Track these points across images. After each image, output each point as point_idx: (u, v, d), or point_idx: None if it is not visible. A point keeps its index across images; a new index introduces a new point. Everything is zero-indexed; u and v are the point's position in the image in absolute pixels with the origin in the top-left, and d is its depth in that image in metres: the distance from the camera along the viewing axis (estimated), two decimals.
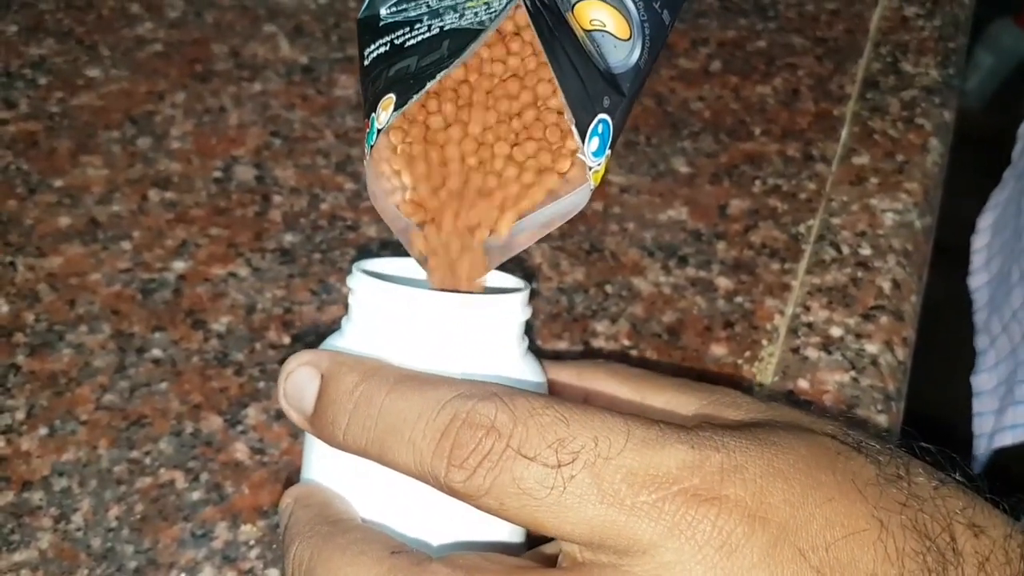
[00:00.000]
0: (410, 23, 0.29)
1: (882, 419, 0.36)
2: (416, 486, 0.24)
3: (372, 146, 0.28)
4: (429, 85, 0.26)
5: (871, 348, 0.38)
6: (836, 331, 0.39)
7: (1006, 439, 0.57)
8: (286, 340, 0.38)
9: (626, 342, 0.39)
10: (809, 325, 0.39)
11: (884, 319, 0.39)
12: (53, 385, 0.36)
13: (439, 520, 0.26)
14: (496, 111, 0.27)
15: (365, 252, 0.42)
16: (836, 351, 0.38)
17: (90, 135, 0.46)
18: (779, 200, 0.45)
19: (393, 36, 0.29)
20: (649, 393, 0.29)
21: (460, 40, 0.27)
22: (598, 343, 0.39)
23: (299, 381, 0.26)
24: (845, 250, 0.42)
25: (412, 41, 0.28)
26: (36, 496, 0.33)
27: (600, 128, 0.26)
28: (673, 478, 0.23)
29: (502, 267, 0.30)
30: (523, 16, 0.26)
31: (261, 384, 0.36)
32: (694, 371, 0.38)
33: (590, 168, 0.27)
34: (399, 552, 0.24)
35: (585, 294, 0.40)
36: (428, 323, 0.26)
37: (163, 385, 0.36)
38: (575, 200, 0.28)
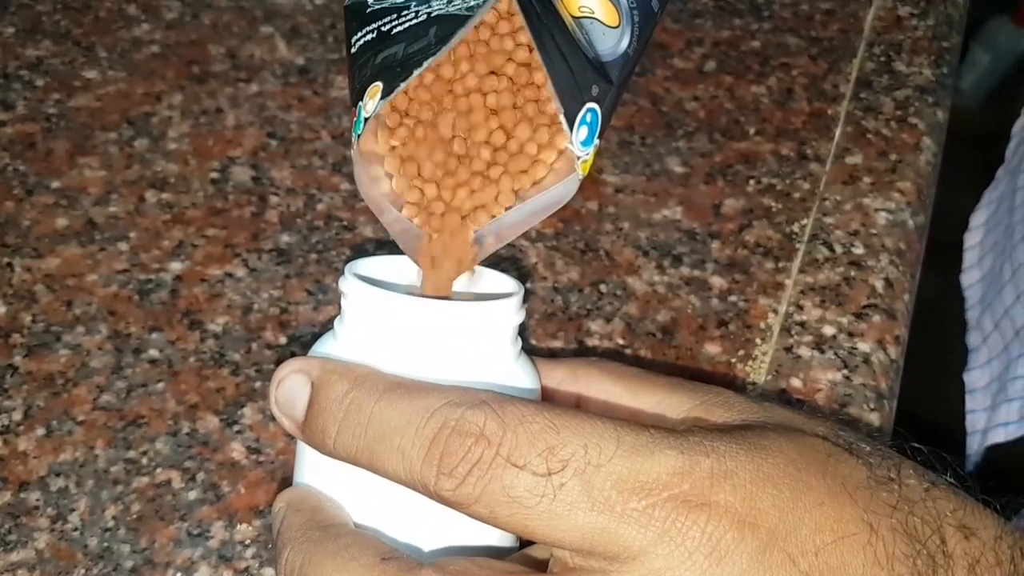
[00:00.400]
0: (397, 9, 0.29)
1: (874, 417, 0.36)
2: (407, 491, 0.24)
3: (359, 135, 0.27)
4: (416, 73, 0.26)
5: (863, 347, 0.38)
6: (829, 330, 0.39)
7: (999, 436, 0.57)
8: (282, 340, 0.38)
9: (620, 341, 0.39)
10: (802, 324, 0.39)
11: (877, 318, 0.40)
12: (50, 386, 0.36)
13: (430, 525, 0.26)
14: (483, 99, 0.27)
15: (361, 252, 0.42)
16: (829, 350, 0.38)
17: (87, 136, 0.46)
18: (773, 199, 0.45)
19: (380, 23, 0.28)
20: (642, 392, 0.29)
21: (447, 27, 0.27)
22: (593, 342, 0.39)
23: (290, 388, 0.26)
24: (838, 249, 0.42)
25: (399, 28, 0.28)
26: (33, 496, 0.33)
27: (588, 117, 0.26)
28: (663, 484, 0.23)
29: (498, 268, 0.30)
30: (511, 2, 0.26)
31: (257, 384, 0.37)
32: (688, 370, 0.38)
33: (578, 158, 0.27)
34: (390, 558, 0.24)
35: (580, 293, 0.41)
36: (419, 330, 0.26)
37: (160, 385, 0.36)
38: (563, 190, 0.27)
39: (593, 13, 0.27)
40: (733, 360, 0.38)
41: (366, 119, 0.27)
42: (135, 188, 0.44)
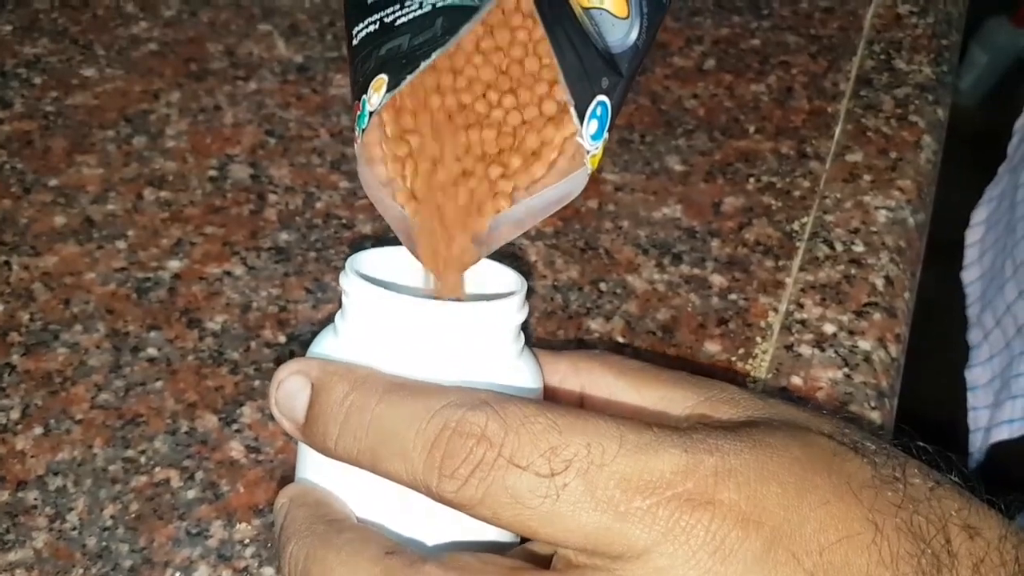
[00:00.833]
0: (400, 0, 0.28)
1: (875, 416, 0.36)
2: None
3: (364, 129, 0.27)
4: (424, 65, 0.25)
5: (864, 345, 0.38)
6: (829, 328, 0.39)
7: (1003, 433, 0.57)
8: (281, 339, 0.38)
9: (620, 339, 0.39)
10: (802, 322, 0.39)
11: (877, 316, 0.40)
12: (48, 384, 0.36)
13: (434, 520, 0.26)
14: (492, 91, 0.27)
15: (360, 250, 0.42)
16: (829, 348, 0.38)
17: (85, 134, 0.46)
18: (773, 197, 0.45)
19: (383, 14, 0.28)
20: (644, 387, 0.29)
21: (454, 18, 0.26)
22: (593, 340, 0.39)
23: (290, 390, 0.26)
24: (838, 247, 0.42)
25: (403, 19, 0.27)
26: (31, 495, 0.33)
27: (599, 111, 0.26)
28: (667, 483, 0.23)
29: (501, 263, 0.30)
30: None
31: (256, 383, 0.37)
32: (688, 368, 0.38)
33: (588, 152, 0.27)
34: (394, 552, 0.24)
35: (580, 292, 0.41)
36: (420, 330, 0.26)
37: (158, 384, 0.36)
38: (572, 185, 0.27)
39: (603, 4, 0.26)
40: (733, 358, 0.38)
41: (371, 113, 0.26)
42: (133, 186, 0.44)
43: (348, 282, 0.27)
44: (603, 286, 0.41)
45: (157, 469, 0.34)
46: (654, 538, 0.22)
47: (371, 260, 0.30)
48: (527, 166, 0.27)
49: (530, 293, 0.40)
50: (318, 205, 0.43)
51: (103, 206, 0.43)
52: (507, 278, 0.30)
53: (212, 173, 0.45)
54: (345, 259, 0.42)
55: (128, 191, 0.43)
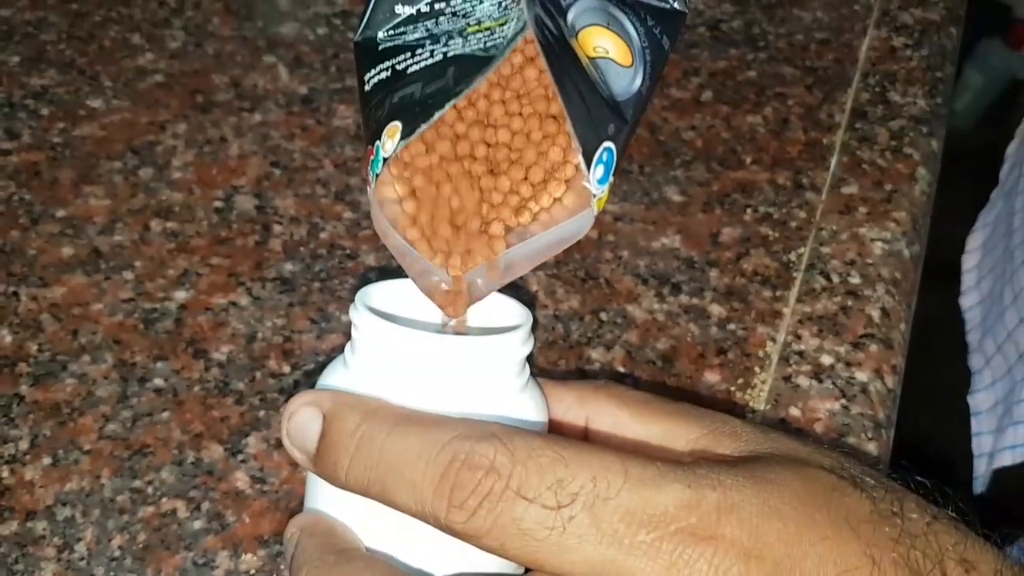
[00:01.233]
0: (411, 48, 0.29)
1: (872, 447, 0.37)
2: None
3: (378, 175, 0.28)
4: (438, 115, 0.26)
5: (861, 376, 0.39)
6: (827, 359, 0.40)
7: (1006, 459, 0.58)
8: (286, 369, 0.39)
9: (621, 369, 0.39)
10: (800, 353, 0.40)
11: (873, 347, 0.40)
12: (56, 415, 0.36)
13: (442, 551, 0.26)
14: (500, 136, 0.28)
15: (364, 281, 0.42)
16: (827, 379, 0.39)
17: (92, 165, 0.47)
18: (770, 228, 0.45)
19: (394, 61, 0.29)
20: (649, 419, 0.29)
21: (465, 67, 0.27)
22: (594, 370, 0.39)
23: (302, 422, 0.26)
24: (835, 279, 0.43)
25: (415, 67, 0.28)
26: (40, 526, 0.33)
27: (605, 156, 0.27)
28: (671, 517, 0.23)
29: (506, 294, 0.31)
30: (531, 45, 0.26)
31: (261, 413, 0.37)
32: (688, 398, 0.39)
33: (594, 195, 0.27)
34: None
35: (581, 321, 0.41)
36: (428, 363, 0.27)
37: (165, 414, 0.37)
38: (578, 226, 0.28)
39: (608, 53, 0.27)
40: (733, 388, 0.39)
41: (385, 159, 0.27)
42: (140, 217, 0.44)
43: (358, 316, 0.28)
44: (604, 316, 0.41)
45: (164, 499, 0.34)
46: (658, 571, 0.23)
47: (380, 293, 0.30)
48: (533, 208, 0.27)
49: (534, 324, 0.41)
50: (322, 235, 0.44)
51: (110, 237, 0.43)
52: (513, 310, 0.30)
53: (218, 204, 0.45)
54: (350, 289, 0.42)
55: (135, 222, 0.44)
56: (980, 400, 0.62)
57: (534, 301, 0.42)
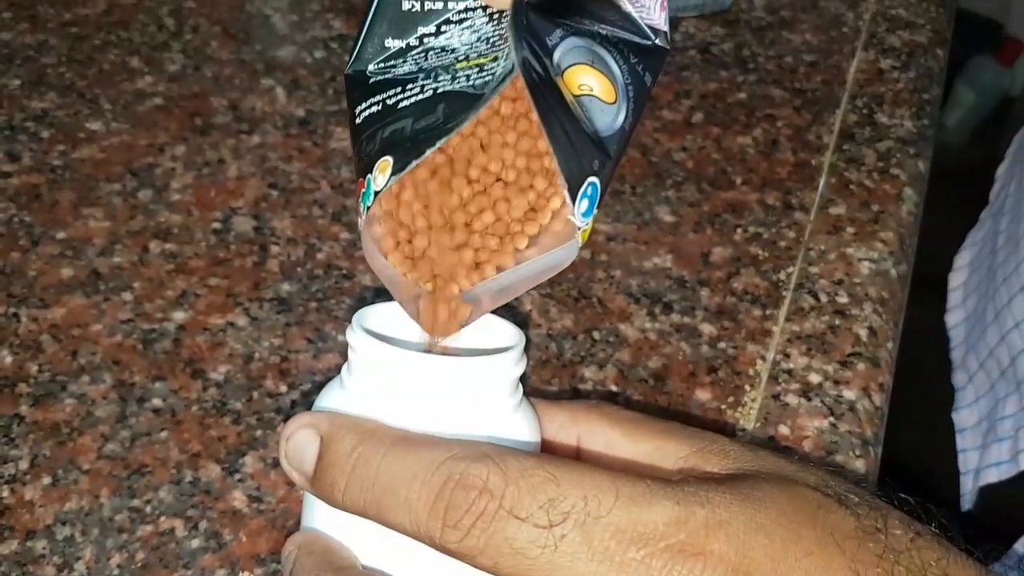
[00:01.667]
0: (401, 83, 0.30)
1: (860, 464, 0.37)
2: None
3: (369, 207, 0.29)
4: (428, 152, 0.27)
5: (849, 394, 0.40)
6: (815, 378, 0.40)
7: (991, 476, 0.58)
8: (283, 389, 0.39)
9: (614, 387, 0.40)
10: (789, 372, 0.41)
11: (861, 366, 0.41)
12: (56, 435, 0.37)
13: (438, 570, 0.27)
14: (488, 169, 0.28)
15: (361, 301, 0.43)
16: (815, 397, 0.39)
17: (92, 187, 0.47)
18: (760, 248, 0.46)
19: (385, 96, 0.30)
20: (640, 438, 0.30)
21: (455, 104, 0.28)
22: (586, 388, 0.40)
23: (299, 443, 0.27)
24: (823, 298, 0.44)
25: (405, 102, 0.29)
26: (40, 545, 0.34)
27: (589, 191, 0.28)
28: (660, 534, 0.24)
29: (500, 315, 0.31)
30: (519, 83, 0.27)
31: (258, 432, 0.37)
32: (680, 416, 0.39)
33: (579, 228, 0.28)
34: None
35: (574, 340, 0.42)
36: (424, 384, 0.27)
37: (163, 434, 0.37)
38: (562, 255, 0.29)
39: (592, 91, 0.28)
40: (723, 407, 0.39)
41: (376, 193, 0.28)
42: (139, 238, 0.45)
43: (354, 337, 0.28)
44: (596, 335, 0.42)
45: (162, 518, 0.35)
46: None
47: (377, 315, 0.31)
48: (519, 239, 0.28)
49: (527, 344, 0.41)
50: (319, 256, 0.45)
51: (109, 258, 0.44)
52: (506, 331, 0.31)
53: (216, 225, 0.46)
54: (346, 310, 0.43)
55: (134, 243, 0.45)
56: (964, 417, 0.63)
57: (528, 321, 0.42)
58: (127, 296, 0.42)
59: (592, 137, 0.27)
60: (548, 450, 0.30)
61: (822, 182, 0.50)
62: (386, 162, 0.27)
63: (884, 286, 0.45)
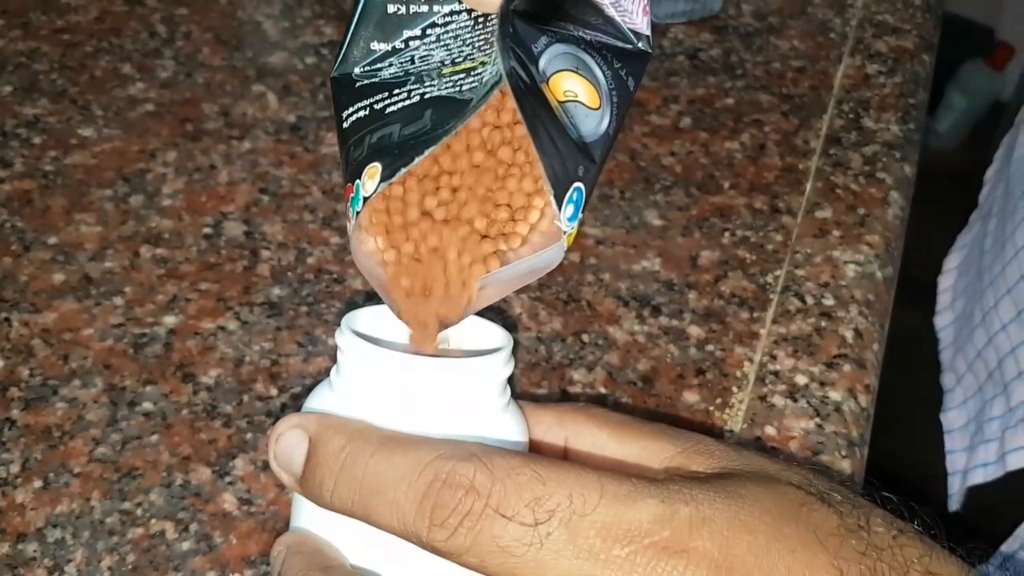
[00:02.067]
0: (388, 87, 0.30)
1: (846, 464, 0.38)
2: None
3: (358, 213, 0.29)
4: (417, 160, 0.27)
5: (835, 396, 0.40)
6: (801, 379, 0.41)
7: (978, 477, 0.59)
8: (273, 392, 0.39)
9: (603, 390, 0.40)
10: (776, 373, 0.41)
11: (847, 367, 0.41)
12: (47, 438, 0.37)
13: (426, 568, 0.27)
14: (474, 174, 0.29)
15: (351, 305, 0.43)
16: (801, 399, 0.40)
17: (83, 193, 0.47)
18: (747, 251, 0.47)
19: (372, 100, 0.30)
20: (626, 439, 0.30)
21: (442, 110, 0.28)
22: (576, 391, 0.40)
23: (288, 444, 0.27)
24: (809, 300, 0.44)
25: (392, 108, 0.29)
26: (30, 548, 0.34)
27: (575, 196, 0.28)
28: (644, 532, 0.24)
29: (484, 318, 0.31)
30: (506, 91, 0.27)
31: (249, 436, 0.38)
32: (668, 417, 0.39)
33: (564, 232, 0.28)
34: None
35: (563, 343, 0.42)
36: (412, 385, 0.27)
37: (154, 438, 0.37)
38: (548, 258, 0.29)
39: (577, 96, 0.28)
40: (711, 408, 0.40)
41: (365, 198, 0.28)
42: (130, 243, 0.45)
43: (343, 339, 0.28)
44: (585, 337, 0.42)
45: (153, 521, 0.35)
46: None
47: (365, 318, 0.31)
48: (506, 241, 0.28)
49: (515, 345, 0.42)
50: (310, 260, 0.45)
51: (101, 263, 0.44)
52: (494, 334, 0.31)
53: (207, 230, 0.46)
54: (336, 314, 0.43)
55: (125, 248, 0.45)
56: (953, 418, 0.63)
57: (517, 323, 0.43)
58: (118, 301, 0.42)
59: (577, 143, 0.28)
60: (536, 451, 0.31)
61: (809, 186, 0.50)
62: (375, 168, 0.28)
63: (870, 288, 0.45)
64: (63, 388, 0.39)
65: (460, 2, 0.30)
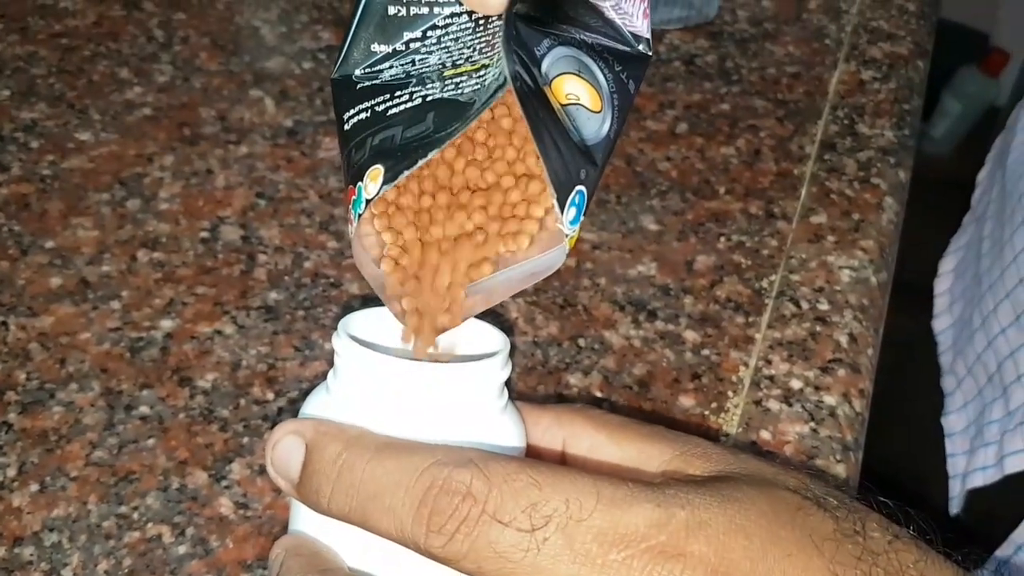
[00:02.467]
0: (389, 89, 0.30)
1: (840, 469, 0.38)
2: None
3: (360, 215, 0.29)
4: (420, 162, 0.27)
5: (829, 400, 0.40)
6: (796, 384, 0.41)
7: (978, 480, 0.59)
8: (270, 396, 0.39)
9: (598, 394, 0.40)
10: (771, 378, 0.41)
11: (842, 372, 0.41)
12: (44, 442, 0.37)
13: (423, 572, 0.27)
14: (478, 177, 0.29)
15: (348, 309, 0.43)
16: (796, 403, 0.40)
17: (81, 197, 0.48)
18: (743, 256, 0.47)
19: (373, 103, 0.30)
20: (624, 441, 0.30)
21: (444, 112, 0.28)
22: (572, 395, 0.40)
23: (285, 450, 0.27)
24: (804, 305, 0.44)
25: (394, 110, 0.29)
26: (27, 551, 0.34)
27: (577, 199, 0.28)
28: (641, 536, 0.24)
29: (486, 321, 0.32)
30: (510, 95, 0.27)
31: (245, 440, 0.38)
32: (664, 421, 0.40)
33: (567, 235, 0.29)
34: None
35: (559, 347, 0.42)
36: (409, 390, 0.27)
37: (150, 441, 0.37)
38: (550, 260, 0.29)
39: (579, 100, 0.29)
40: (707, 412, 0.40)
41: (367, 201, 0.28)
42: (127, 248, 0.45)
43: (340, 343, 0.29)
44: (581, 342, 0.42)
45: (149, 525, 0.35)
46: None
47: (362, 322, 0.31)
48: (508, 242, 0.29)
49: (512, 349, 0.42)
50: (307, 265, 0.45)
51: (98, 267, 0.44)
52: (492, 337, 0.31)
53: (204, 235, 0.46)
54: (333, 318, 0.43)
55: (122, 252, 0.45)
56: (953, 421, 0.63)
57: (514, 328, 0.43)
58: (115, 304, 0.43)
59: (579, 146, 0.28)
60: (533, 454, 0.31)
61: (804, 191, 0.51)
62: (377, 170, 0.28)
63: (864, 293, 0.45)
64: (60, 392, 0.39)
65: (460, 4, 0.30)
